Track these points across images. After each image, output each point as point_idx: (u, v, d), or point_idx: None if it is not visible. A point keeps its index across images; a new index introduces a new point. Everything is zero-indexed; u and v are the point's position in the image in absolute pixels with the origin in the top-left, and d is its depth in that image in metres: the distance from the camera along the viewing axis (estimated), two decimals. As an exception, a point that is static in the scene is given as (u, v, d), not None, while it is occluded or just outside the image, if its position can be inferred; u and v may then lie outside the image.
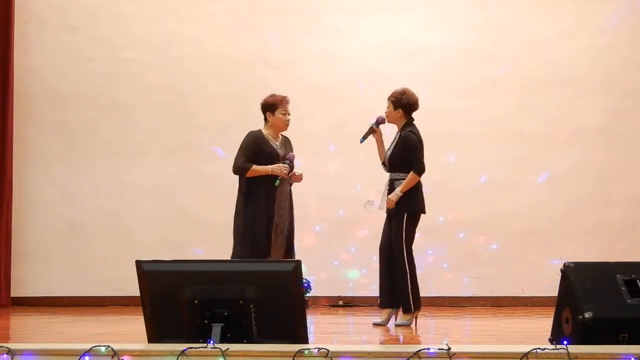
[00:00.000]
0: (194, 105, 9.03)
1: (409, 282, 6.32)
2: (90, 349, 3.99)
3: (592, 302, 4.15)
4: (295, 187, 6.63)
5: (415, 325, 6.38)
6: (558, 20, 8.71)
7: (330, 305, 8.65)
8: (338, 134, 8.73)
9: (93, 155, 9.09)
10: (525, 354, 3.75)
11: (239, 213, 6.41)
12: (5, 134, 9.01)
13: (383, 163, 6.66)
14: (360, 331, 6.48)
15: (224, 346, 3.94)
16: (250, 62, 8.96)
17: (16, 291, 9.01)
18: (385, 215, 6.56)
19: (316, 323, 7.01)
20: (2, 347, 4.07)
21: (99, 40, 9.15)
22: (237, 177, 6.49)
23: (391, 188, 6.46)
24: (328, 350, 3.86)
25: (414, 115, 6.55)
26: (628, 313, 4.18)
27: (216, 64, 9.01)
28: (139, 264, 4.34)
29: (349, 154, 8.44)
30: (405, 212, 6.38)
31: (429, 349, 3.83)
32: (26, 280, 9.05)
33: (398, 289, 6.35)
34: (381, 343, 5.49)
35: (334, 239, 8.75)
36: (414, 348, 3.88)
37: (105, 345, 3.99)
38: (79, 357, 4.00)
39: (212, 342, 3.99)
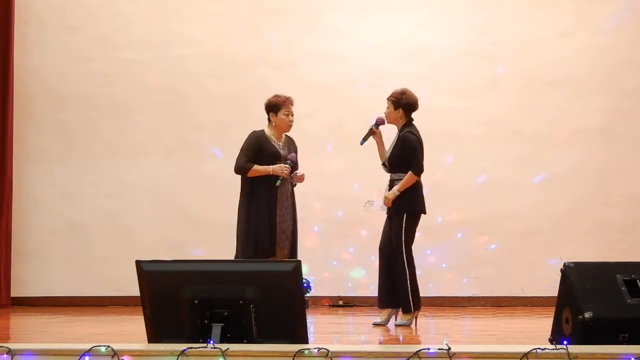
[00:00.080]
0: (194, 105, 9.03)
1: (408, 282, 6.32)
2: (90, 349, 3.99)
3: (592, 302, 4.15)
4: (296, 187, 6.63)
5: (415, 325, 6.38)
6: (558, 20, 8.71)
7: (330, 305, 8.66)
8: (338, 134, 8.73)
9: (93, 155, 9.09)
10: (525, 354, 3.75)
11: (241, 213, 6.43)
12: (5, 134, 9.01)
13: (383, 164, 6.66)
14: (360, 331, 6.48)
15: (224, 346, 3.94)
16: (250, 62, 8.96)
17: (16, 291, 9.01)
18: (385, 215, 6.57)
19: (316, 323, 7.01)
20: (2, 347, 4.07)
21: (99, 40, 9.15)
22: (237, 177, 6.49)
23: (391, 189, 6.46)
24: (328, 350, 3.86)
25: (413, 115, 6.56)
26: (628, 313, 4.18)
27: (216, 64, 9.01)
28: (139, 264, 4.34)
29: (349, 154, 8.43)
30: (405, 212, 6.38)
31: (429, 349, 3.83)
32: (26, 280, 9.05)
33: (398, 289, 6.35)
34: (381, 343, 5.49)
35: (333, 239, 8.75)
36: (414, 348, 3.88)
37: (105, 345, 3.99)
38: (79, 357, 4.00)
39: (212, 342, 3.99)
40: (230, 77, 8.97)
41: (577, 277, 4.29)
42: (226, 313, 4.18)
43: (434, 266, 8.54)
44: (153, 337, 4.33)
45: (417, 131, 6.50)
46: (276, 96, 6.54)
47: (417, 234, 6.47)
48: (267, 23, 9.00)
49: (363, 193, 8.43)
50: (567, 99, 8.66)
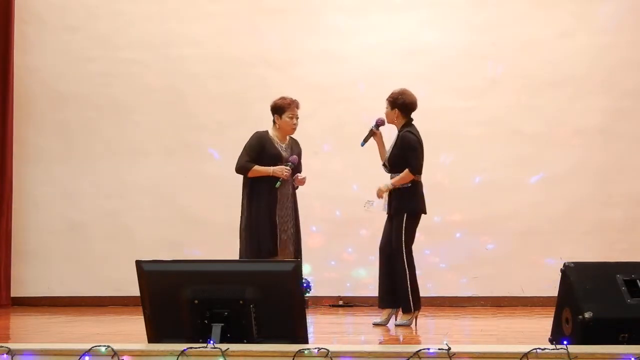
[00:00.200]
0: (194, 105, 9.03)
1: (408, 282, 6.32)
2: (90, 349, 3.99)
3: (592, 302, 4.15)
4: (297, 189, 6.63)
5: (415, 325, 6.38)
6: (558, 20, 8.71)
7: (330, 305, 8.66)
8: (338, 134, 8.73)
9: (93, 155, 9.09)
10: (525, 354, 3.75)
11: (243, 212, 6.45)
12: (5, 134, 9.01)
13: (384, 164, 6.66)
14: (360, 331, 6.47)
15: (224, 346, 3.93)
16: (250, 62, 8.96)
17: (16, 291, 9.01)
18: (385, 215, 6.57)
19: (316, 323, 7.01)
20: (2, 347, 4.07)
21: (99, 40, 9.16)
22: (237, 177, 6.52)
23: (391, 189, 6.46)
24: (328, 350, 3.86)
25: (413, 115, 6.55)
26: (628, 313, 4.17)
27: (216, 64, 9.01)
28: (139, 264, 4.34)
29: (349, 154, 8.43)
30: (406, 212, 6.38)
31: (429, 349, 3.82)
32: (26, 280, 9.05)
33: (398, 289, 6.35)
34: (381, 343, 5.49)
35: (333, 239, 8.76)
36: (414, 348, 3.88)
37: (105, 345, 3.99)
38: (79, 357, 4.00)
39: (212, 342, 3.99)
40: (230, 77, 8.97)
41: (577, 277, 4.29)
42: (226, 313, 4.18)
43: (433, 266, 8.54)
44: (153, 337, 4.33)
45: (417, 131, 6.50)
46: (282, 98, 6.54)
47: (417, 234, 6.47)
48: (267, 23, 9.00)
49: (363, 193, 8.38)
50: (567, 99, 8.66)
